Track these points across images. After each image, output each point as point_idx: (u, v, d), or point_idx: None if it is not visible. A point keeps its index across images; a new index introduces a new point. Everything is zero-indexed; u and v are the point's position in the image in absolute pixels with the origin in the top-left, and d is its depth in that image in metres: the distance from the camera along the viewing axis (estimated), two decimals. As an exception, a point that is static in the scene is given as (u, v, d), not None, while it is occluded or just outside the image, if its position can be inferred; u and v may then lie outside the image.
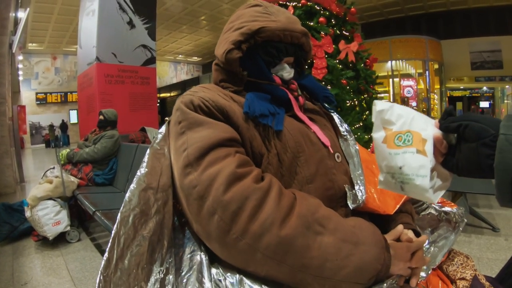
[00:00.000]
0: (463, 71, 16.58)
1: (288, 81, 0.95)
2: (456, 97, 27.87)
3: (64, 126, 20.34)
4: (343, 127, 0.99)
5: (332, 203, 0.81)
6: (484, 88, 24.63)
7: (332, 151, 0.89)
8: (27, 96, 20.56)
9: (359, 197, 0.85)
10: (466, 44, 15.76)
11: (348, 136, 0.97)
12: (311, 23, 3.64)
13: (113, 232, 0.77)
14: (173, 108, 0.87)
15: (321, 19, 3.65)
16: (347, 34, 3.91)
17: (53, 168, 3.65)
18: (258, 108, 0.82)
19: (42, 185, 3.27)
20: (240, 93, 0.92)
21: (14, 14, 8.28)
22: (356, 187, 0.87)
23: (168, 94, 22.79)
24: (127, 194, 0.80)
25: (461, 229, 0.84)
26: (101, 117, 4.06)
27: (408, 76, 14.96)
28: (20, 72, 18.38)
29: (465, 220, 0.83)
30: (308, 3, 3.71)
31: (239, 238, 0.65)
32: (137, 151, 3.55)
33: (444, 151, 0.66)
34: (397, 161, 0.68)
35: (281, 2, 3.85)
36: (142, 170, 0.83)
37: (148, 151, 0.87)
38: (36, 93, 21.23)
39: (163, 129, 0.91)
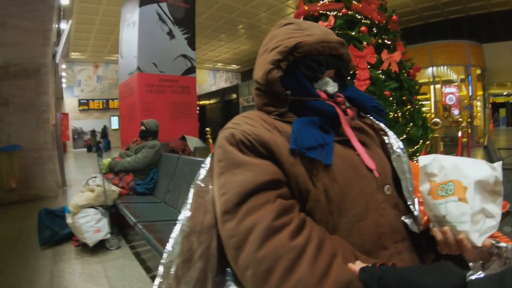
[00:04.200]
0: (507, 76, 15.86)
1: (333, 94, 0.90)
2: (499, 104, 26.73)
3: (105, 132, 21.05)
4: (396, 144, 0.93)
5: (383, 240, 0.76)
6: (529, 93, 23.48)
7: (380, 180, 0.82)
8: (70, 102, 21.46)
9: (417, 216, 0.80)
10: (509, 47, 15.03)
11: (402, 153, 0.91)
12: (353, 33, 3.56)
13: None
14: (216, 142, 0.84)
15: (363, 28, 3.56)
16: (389, 43, 3.79)
17: (95, 177, 3.73)
18: (305, 141, 0.77)
19: (84, 194, 3.36)
20: (285, 115, 0.88)
21: (57, 26, 8.65)
22: (409, 202, 0.82)
23: (207, 102, 23.18)
24: (170, 243, 0.79)
25: None
26: (143, 127, 4.15)
27: (450, 82, 14.43)
28: (64, 80, 19.21)
29: None
30: (349, 12, 3.63)
31: None
32: (178, 162, 3.59)
33: None
34: (440, 210, 0.72)
35: (321, 12, 3.79)
36: (186, 214, 0.82)
37: (191, 190, 0.85)
38: (79, 100, 22.14)
39: (207, 161, 0.89)
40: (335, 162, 0.78)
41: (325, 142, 0.79)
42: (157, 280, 0.76)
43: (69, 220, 3.25)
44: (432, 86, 13.82)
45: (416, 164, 0.86)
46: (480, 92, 14.83)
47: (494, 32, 16.16)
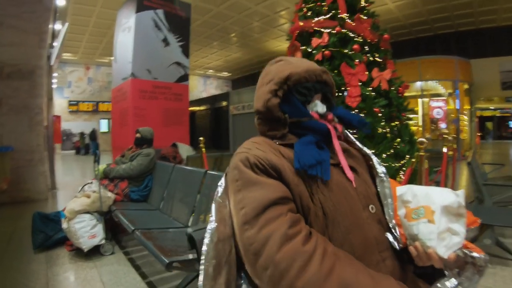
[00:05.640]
0: (493, 91, 16.24)
1: (324, 114, 1.08)
2: (486, 117, 27.22)
3: (94, 134, 20.96)
4: (380, 169, 1.09)
5: (369, 250, 0.92)
6: (514, 108, 23.98)
7: (364, 200, 0.99)
8: (59, 103, 21.27)
9: (398, 237, 0.97)
10: (496, 63, 15.47)
11: (385, 178, 1.07)
12: (346, 50, 3.68)
13: (200, 284, 0.91)
14: (230, 164, 0.99)
15: (355, 46, 3.68)
16: (380, 60, 3.92)
17: (91, 182, 3.77)
18: (307, 160, 0.93)
19: (80, 199, 3.40)
20: (286, 137, 1.04)
21: (52, 26, 8.60)
22: (391, 225, 1.00)
23: (197, 108, 23.19)
24: (204, 248, 0.93)
25: (484, 273, 0.90)
26: (138, 135, 4.20)
27: (437, 95, 14.76)
28: (54, 80, 19.06)
29: (488, 265, 0.93)
30: (343, 31, 3.76)
31: None
32: (173, 171, 3.66)
33: None
34: (414, 230, 0.90)
35: (316, 29, 3.91)
36: (212, 225, 0.96)
37: (213, 204, 0.99)
38: (69, 101, 22.03)
39: (222, 181, 1.03)
40: (330, 185, 0.94)
41: (322, 159, 0.95)
42: (201, 277, 0.92)
43: (64, 225, 3.28)
44: (420, 100, 14.09)
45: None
46: (467, 106, 15.16)
47: (482, 48, 16.63)
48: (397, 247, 0.96)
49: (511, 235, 3.76)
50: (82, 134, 20.82)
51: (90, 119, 22.63)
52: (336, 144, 1.04)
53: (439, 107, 14.23)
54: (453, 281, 0.88)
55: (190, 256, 1.96)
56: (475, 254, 0.89)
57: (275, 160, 0.94)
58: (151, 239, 2.35)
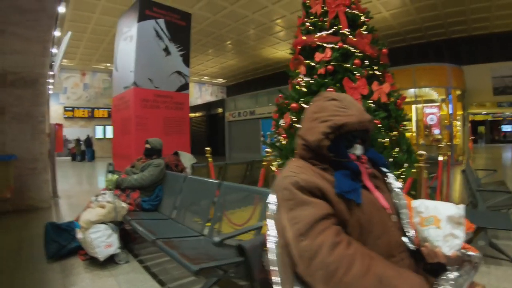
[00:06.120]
0: (485, 97, 16.54)
1: (360, 156, 1.30)
2: (478, 121, 27.59)
3: (89, 141, 20.97)
4: (395, 184, 1.34)
5: (392, 252, 1.16)
6: (507, 113, 24.40)
7: (390, 212, 1.24)
8: (55, 109, 21.28)
9: (412, 239, 1.21)
10: (488, 69, 15.78)
11: (399, 192, 1.31)
12: (347, 65, 3.85)
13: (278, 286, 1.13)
14: (279, 184, 1.19)
15: (356, 61, 3.85)
16: (379, 73, 4.09)
17: (104, 193, 3.86)
18: (345, 187, 1.16)
19: (95, 210, 3.49)
20: (327, 170, 1.23)
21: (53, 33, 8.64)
22: (406, 230, 1.24)
23: (192, 115, 23.26)
24: (273, 257, 1.16)
25: (478, 268, 1.17)
26: (148, 145, 4.32)
27: (431, 101, 15.03)
28: (50, 86, 19.03)
29: (482, 262, 1.18)
30: (344, 46, 3.93)
31: (336, 284, 0.98)
32: (185, 181, 3.79)
33: None
34: (425, 234, 1.17)
35: (319, 43, 4.07)
36: (274, 237, 1.18)
37: (272, 220, 1.20)
38: (64, 107, 22.01)
39: (272, 199, 1.22)
40: (363, 201, 1.17)
41: (356, 188, 1.18)
42: (278, 281, 1.15)
43: (80, 235, 3.37)
44: (413, 106, 14.34)
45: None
46: (460, 112, 15.44)
47: (474, 54, 16.96)
48: (412, 248, 1.21)
49: (504, 237, 3.97)
50: (78, 141, 20.74)
51: (86, 126, 22.64)
52: (369, 184, 1.27)
53: (433, 114, 14.51)
54: (455, 274, 1.13)
55: (213, 264, 2.09)
56: (471, 253, 1.16)
57: (320, 183, 1.15)
58: (174, 248, 2.46)
